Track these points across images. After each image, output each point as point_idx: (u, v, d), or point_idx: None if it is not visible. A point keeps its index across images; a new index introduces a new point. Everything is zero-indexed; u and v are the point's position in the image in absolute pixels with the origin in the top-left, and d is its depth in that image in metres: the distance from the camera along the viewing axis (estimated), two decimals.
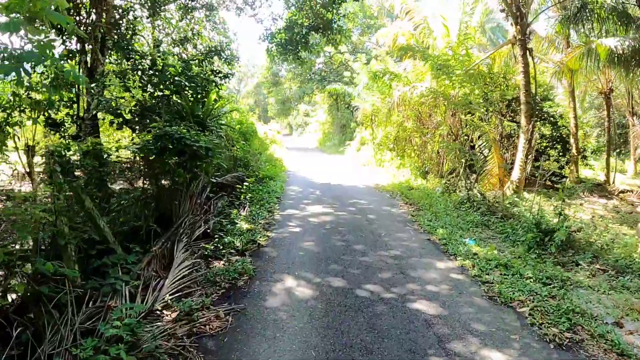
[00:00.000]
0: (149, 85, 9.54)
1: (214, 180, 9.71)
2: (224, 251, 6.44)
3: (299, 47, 13.94)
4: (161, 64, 8.85)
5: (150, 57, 8.57)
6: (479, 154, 14.54)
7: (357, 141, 23.78)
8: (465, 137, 14.24)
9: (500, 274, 6.00)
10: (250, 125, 15.42)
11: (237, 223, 7.93)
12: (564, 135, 16.26)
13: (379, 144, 19.08)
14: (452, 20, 15.24)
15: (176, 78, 9.06)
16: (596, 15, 14.50)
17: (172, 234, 6.64)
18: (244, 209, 9.05)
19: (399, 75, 13.18)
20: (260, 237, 7.14)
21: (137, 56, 9.05)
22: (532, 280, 5.81)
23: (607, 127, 20.26)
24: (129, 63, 9.35)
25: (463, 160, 12.88)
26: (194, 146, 5.96)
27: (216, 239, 6.78)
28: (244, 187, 10.29)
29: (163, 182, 6.61)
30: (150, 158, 6.16)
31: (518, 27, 13.35)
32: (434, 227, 8.24)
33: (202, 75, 12.26)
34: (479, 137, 14.38)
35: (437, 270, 6.03)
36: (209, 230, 7.10)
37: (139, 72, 9.18)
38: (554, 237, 7.65)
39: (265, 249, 6.66)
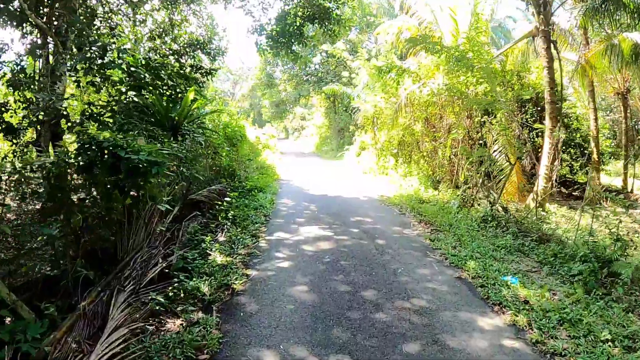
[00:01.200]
0: (100, 81, 7.79)
1: (194, 196, 7.92)
2: (184, 303, 4.64)
3: (293, 40, 12.19)
4: (115, 53, 7.06)
5: (99, 44, 6.76)
6: (496, 160, 12.81)
7: (357, 146, 22.02)
8: (481, 142, 12.54)
9: (569, 336, 4.24)
10: (238, 129, 13.62)
11: (209, 255, 6.14)
12: (579, 139, 14.68)
13: (381, 149, 17.34)
14: (462, 14, 13.54)
15: (133, 69, 7.29)
16: (624, 6, 12.80)
17: (112, 279, 4.87)
18: (222, 233, 7.25)
19: (408, 70, 11.45)
20: (236, 279, 5.34)
21: (91, 47, 7.25)
22: (611, 344, 4.08)
23: (624, 129, 18.61)
24: (81, 54, 7.56)
25: (482, 169, 11.16)
26: (132, 159, 4.15)
27: (176, 283, 4.97)
28: (225, 203, 8.49)
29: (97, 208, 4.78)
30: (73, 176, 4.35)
31: (541, 16, 11.67)
32: (461, 258, 6.46)
33: (175, 70, 10.51)
34: (494, 142, 12.65)
35: (482, 333, 4.24)
36: (167, 271, 5.30)
37: (91, 65, 7.41)
38: (613, 270, 5.98)
39: (241, 299, 4.85)
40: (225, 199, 8.78)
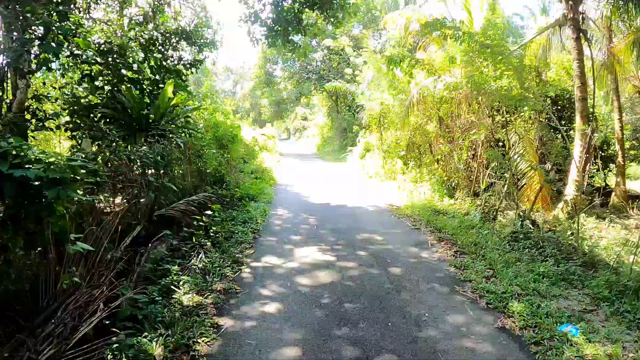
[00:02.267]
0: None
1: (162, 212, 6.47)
2: None
3: (290, 29, 10.71)
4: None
5: (40, 22, 5.29)
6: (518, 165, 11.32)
7: (361, 147, 20.54)
8: (500, 144, 11.08)
9: None
10: (231, 129, 12.17)
11: (175, 292, 4.70)
12: (598, 141, 13.18)
13: (387, 151, 15.87)
14: (476, 4, 12.07)
15: (89, 53, 5.86)
16: None
17: (27, 340, 3.48)
18: (197, 259, 5.80)
19: (422, 61, 9.96)
20: (202, 333, 3.89)
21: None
22: None
23: None
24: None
25: (507, 175, 9.70)
26: (15, 177, 2.68)
27: (115, 344, 3.53)
28: (205, 218, 7.05)
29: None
30: None
31: (570, 2, 10.20)
32: (500, 296, 4.99)
33: (158, 63, 9.11)
34: (513, 144, 11.16)
35: None
36: (107, 322, 3.86)
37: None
38: None
39: None
40: (207, 212, 7.33)
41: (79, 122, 6.47)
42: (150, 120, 8.43)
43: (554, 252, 6.73)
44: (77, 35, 6.04)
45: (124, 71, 9.84)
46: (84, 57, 5.77)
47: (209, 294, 4.81)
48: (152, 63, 9.91)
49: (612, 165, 13.45)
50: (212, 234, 6.92)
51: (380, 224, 8.61)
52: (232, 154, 12.30)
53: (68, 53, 6.53)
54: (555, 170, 13.03)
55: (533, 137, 11.10)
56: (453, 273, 5.90)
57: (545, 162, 12.93)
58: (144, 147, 6.70)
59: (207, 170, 9.78)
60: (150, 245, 5.85)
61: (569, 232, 8.13)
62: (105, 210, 5.47)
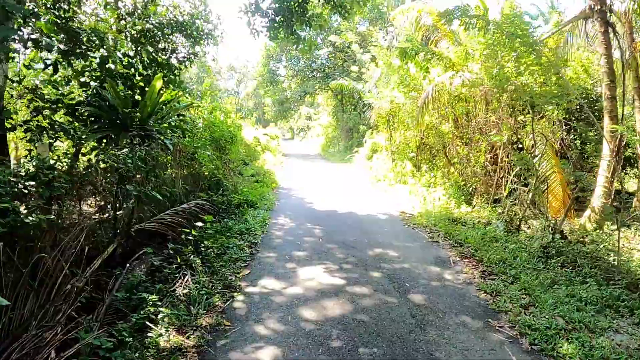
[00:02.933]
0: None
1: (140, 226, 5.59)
2: None
3: (293, 19, 9.80)
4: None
5: None
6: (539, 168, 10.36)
7: (367, 148, 19.63)
8: (519, 146, 10.17)
9: None
10: (229, 129, 11.28)
11: (149, 331, 3.81)
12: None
13: (397, 152, 14.94)
14: None
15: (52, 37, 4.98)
16: None
17: None
18: (182, 282, 4.92)
19: (440, 54, 9.01)
20: None
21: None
22: None
23: None
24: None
25: (532, 181, 8.78)
26: None
27: None
28: (196, 231, 6.17)
29: None
30: None
31: None
32: (545, 334, 4.08)
33: (150, 56, 8.25)
34: (532, 147, 10.21)
35: None
36: None
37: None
38: None
39: None
40: (198, 224, 6.44)
41: (39, 121, 5.58)
42: (137, 119, 7.55)
43: (593, 271, 5.84)
44: (40, 18, 5.15)
45: (112, 66, 9.06)
46: (46, 43, 4.86)
47: (192, 331, 3.91)
48: (145, 56, 9.06)
49: (628, 169, 12.44)
50: (202, 249, 6.03)
51: (394, 236, 7.68)
52: (231, 155, 11.42)
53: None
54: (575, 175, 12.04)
55: (553, 140, 10.17)
56: (484, 301, 4.98)
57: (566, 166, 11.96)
58: (125, 150, 5.82)
59: (204, 174, 8.90)
60: (128, 266, 4.98)
61: (601, 246, 7.23)
62: (71, 226, 4.58)
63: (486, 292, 5.25)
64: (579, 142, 10.93)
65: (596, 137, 10.31)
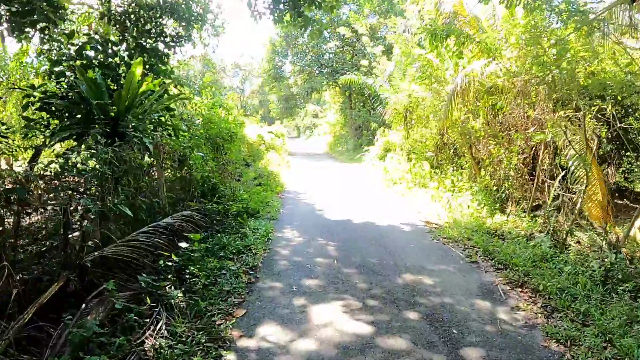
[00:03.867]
0: None
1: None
2: None
3: (302, 1, 8.47)
4: None
5: None
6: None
7: (379, 146, 18.23)
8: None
9: None
10: (228, 126, 9.96)
11: None
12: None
13: (414, 151, 13.57)
14: None
15: None
16: None
17: None
18: (155, 330, 3.60)
19: (478, 37, 7.56)
20: None
21: None
22: None
23: None
24: None
25: (581, 187, 7.44)
26: None
27: None
28: (182, 253, 4.87)
29: None
30: None
31: None
32: None
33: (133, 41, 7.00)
34: (566, 147, 8.81)
35: None
36: None
37: None
38: None
39: None
40: (182, 245, 5.13)
41: None
42: (113, 114, 6.25)
43: None
44: None
45: (92, 53, 7.81)
46: None
47: None
48: (131, 42, 7.79)
49: None
50: (187, 278, 4.72)
51: (424, 255, 6.32)
52: (230, 155, 10.11)
53: None
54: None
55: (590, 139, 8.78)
56: (558, 355, 3.64)
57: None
58: (85, 153, 4.53)
59: (196, 179, 7.59)
60: (83, 307, 3.70)
61: None
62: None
63: (557, 341, 3.91)
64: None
65: None
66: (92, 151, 4.99)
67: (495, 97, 9.26)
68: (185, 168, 7.35)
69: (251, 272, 5.32)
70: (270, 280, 5.11)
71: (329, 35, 27.24)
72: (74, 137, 6.22)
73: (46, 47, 7.49)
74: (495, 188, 9.26)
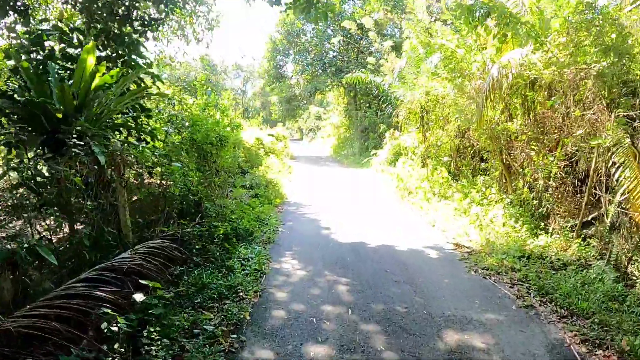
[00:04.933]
0: None
1: None
2: None
3: None
4: None
5: None
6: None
7: (389, 150, 16.76)
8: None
9: None
10: (219, 129, 8.49)
11: None
12: None
13: (428, 156, 12.10)
14: None
15: None
16: None
17: None
18: None
19: (518, 18, 6.05)
20: None
21: None
22: None
23: None
24: None
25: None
26: None
27: None
28: (137, 308, 3.42)
29: None
30: None
31: None
32: None
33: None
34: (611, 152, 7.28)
35: None
36: None
37: None
38: None
39: None
40: (136, 296, 3.67)
41: None
42: (61, 115, 4.82)
43: None
44: None
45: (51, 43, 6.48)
46: None
47: None
48: (97, 29, 6.36)
49: None
50: (146, 344, 3.28)
51: (465, 297, 4.83)
52: (221, 162, 8.66)
53: None
54: None
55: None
56: None
57: None
58: None
59: (172, 196, 6.13)
60: None
61: None
62: None
63: None
64: None
65: None
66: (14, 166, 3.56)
67: (538, 93, 7.76)
68: (158, 182, 5.90)
69: (235, 331, 3.85)
70: (259, 347, 3.62)
71: (332, 32, 25.80)
72: (11, 145, 4.79)
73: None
74: (535, 202, 7.75)
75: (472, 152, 11.01)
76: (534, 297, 4.97)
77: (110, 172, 4.78)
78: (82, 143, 4.12)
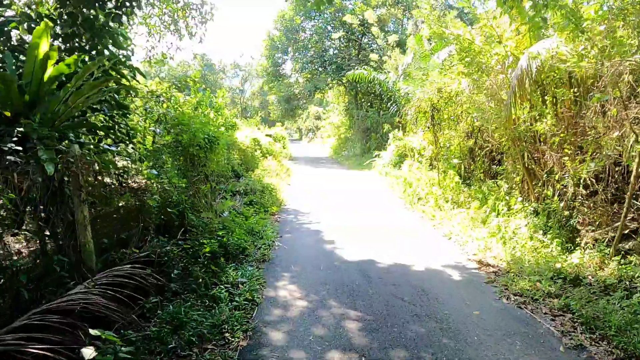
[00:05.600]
0: None
1: None
2: None
3: None
4: None
5: None
6: None
7: (393, 152, 15.86)
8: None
9: None
10: (209, 129, 7.57)
11: None
12: None
13: (438, 157, 11.21)
14: None
15: None
16: None
17: None
18: None
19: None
20: None
21: None
22: None
23: None
24: None
25: None
26: None
27: None
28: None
29: None
30: None
31: None
32: None
33: None
34: None
35: None
36: None
37: None
38: None
39: None
40: (85, 353, 2.76)
41: None
42: (10, 114, 3.92)
43: None
44: None
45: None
46: None
47: None
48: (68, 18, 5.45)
49: None
50: None
51: (500, 335, 3.93)
52: (211, 166, 7.76)
53: None
54: None
55: None
56: None
57: None
58: None
59: (148, 210, 5.22)
60: None
61: None
62: None
63: None
64: None
65: None
66: None
67: (569, 89, 6.85)
68: (130, 194, 4.99)
69: None
70: None
71: (332, 29, 24.89)
72: None
73: None
74: (566, 212, 6.85)
75: (484, 154, 10.12)
76: (581, 333, 4.09)
77: (66, 182, 3.87)
78: (20, 148, 3.22)
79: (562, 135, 6.53)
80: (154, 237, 5.31)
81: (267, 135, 19.83)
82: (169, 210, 5.49)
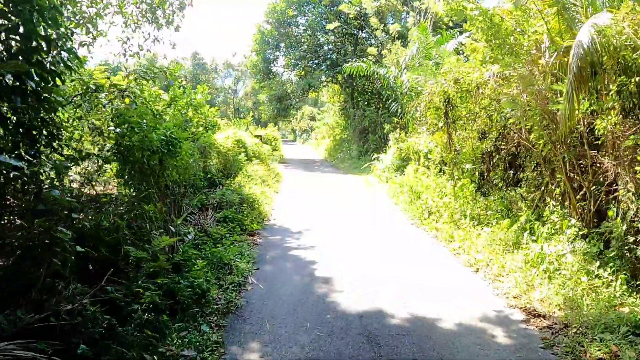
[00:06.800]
0: None
1: None
2: None
3: None
4: None
5: None
6: None
7: (394, 154, 14.23)
8: None
9: None
10: (169, 129, 5.83)
11: None
12: None
13: (445, 163, 9.61)
14: None
15: None
16: None
17: None
18: None
19: None
20: None
21: None
22: None
23: None
24: None
25: None
26: None
27: None
28: None
29: None
30: None
31: None
32: None
33: None
34: None
35: None
36: None
37: None
38: None
39: None
40: None
41: None
42: None
43: None
44: None
45: None
46: None
47: None
48: None
49: None
50: None
51: None
52: (172, 176, 6.07)
53: None
54: None
55: None
56: None
57: None
58: None
59: (62, 241, 3.53)
60: None
61: None
62: None
63: None
64: None
65: None
66: None
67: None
68: (39, 220, 3.32)
69: None
70: None
71: (327, 22, 23.23)
72: None
73: None
74: (631, 238, 5.23)
75: (502, 158, 8.53)
76: None
77: None
78: None
79: (632, 137, 4.90)
80: (71, 282, 3.65)
81: (255, 136, 18.14)
82: (100, 240, 3.81)
